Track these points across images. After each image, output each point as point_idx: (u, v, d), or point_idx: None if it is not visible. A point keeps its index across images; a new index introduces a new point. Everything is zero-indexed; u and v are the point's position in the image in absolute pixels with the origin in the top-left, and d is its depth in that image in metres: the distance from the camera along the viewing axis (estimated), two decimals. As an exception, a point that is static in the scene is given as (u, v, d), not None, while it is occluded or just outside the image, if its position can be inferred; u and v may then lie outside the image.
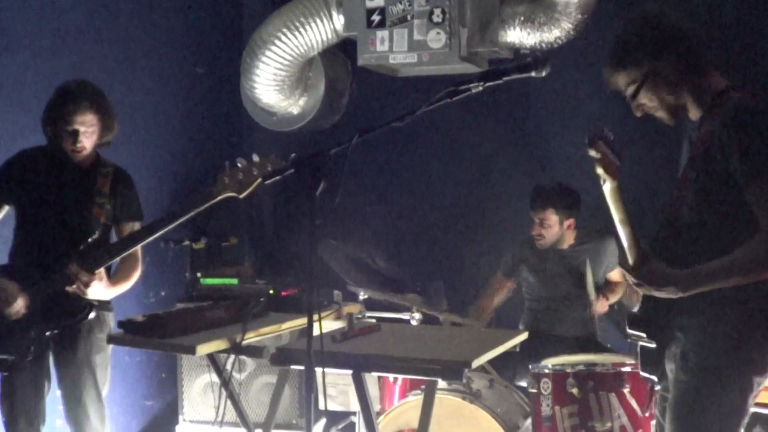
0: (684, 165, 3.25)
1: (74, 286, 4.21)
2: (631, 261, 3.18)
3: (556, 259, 5.78)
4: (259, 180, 3.98)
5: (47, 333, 4.33)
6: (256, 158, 4.02)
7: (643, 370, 3.30)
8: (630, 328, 3.26)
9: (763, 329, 3.10)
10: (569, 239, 5.79)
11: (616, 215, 3.23)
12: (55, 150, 4.47)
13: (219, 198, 4.06)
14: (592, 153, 3.16)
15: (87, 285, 4.20)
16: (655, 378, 3.29)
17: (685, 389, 3.17)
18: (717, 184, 3.07)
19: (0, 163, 4.54)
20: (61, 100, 4.38)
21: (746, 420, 3.17)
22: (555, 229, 5.67)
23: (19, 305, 4.19)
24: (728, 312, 3.08)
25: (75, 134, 4.39)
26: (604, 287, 5.82)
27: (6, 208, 4.50)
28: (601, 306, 5.61)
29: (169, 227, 4.18)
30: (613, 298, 5.75)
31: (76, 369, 4.49)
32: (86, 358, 4.50)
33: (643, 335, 3.22)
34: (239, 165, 4.03)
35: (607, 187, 3.21)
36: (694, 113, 3.23)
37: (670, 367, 3.25)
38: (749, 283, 3.02)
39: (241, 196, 4.06)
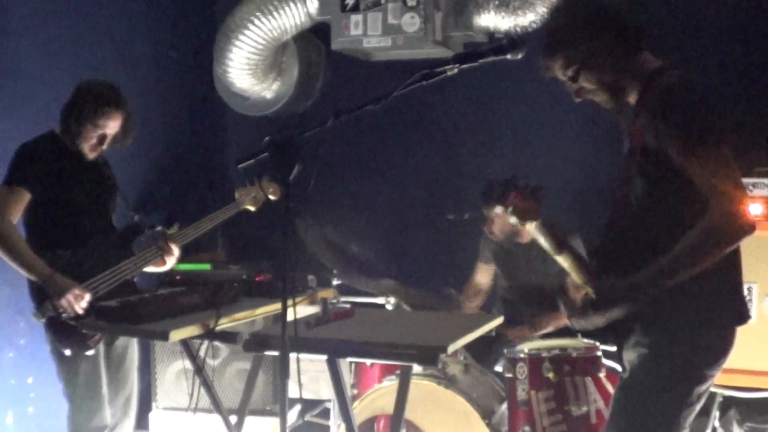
0: (624, 161, 3.20)
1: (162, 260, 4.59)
2: (582, 280, 3.17)
3: (518, 253, 5.70)
4: (267, 198, 5.04)
5: None
6: (261, 180, 4.99)
7: (606, 358, 3.26)
8: (585, 337, 3.22)
9: (716, 323, 3.08)
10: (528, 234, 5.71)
11: (549, 248, 3.22)
12: (64, 141, 4.49)
13: (240, 208, 4.99)
14: (499, 211, 3.16)
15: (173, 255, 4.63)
16: (618, 367, 3.27)
17: (635, 372, 3.14)
18: (663, 173, 3.03)
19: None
20: (93, 100, 4.42)
21: (693, 412, 3.13)
22: (501, 221, 5.54)
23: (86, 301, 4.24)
24: (683, 304, 3.03)
25: (103, 137, 4.50)
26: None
27: (27, 198, 4.39)
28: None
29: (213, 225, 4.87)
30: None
31: (132, 350, 4.73)
32: (135, 352, 4.78)
33: (598, 343, 3.19)
34: (252, 184, 4.97)
35: (531, 228, 3.19)
36: (632, 96, 3.19)
37: (628, 358, 3.19)
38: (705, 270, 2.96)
39: (254, 209, 5.05)
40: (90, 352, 4.33)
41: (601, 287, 3.07)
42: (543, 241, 3.21)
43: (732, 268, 3.12)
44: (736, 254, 3.10)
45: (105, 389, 4.52)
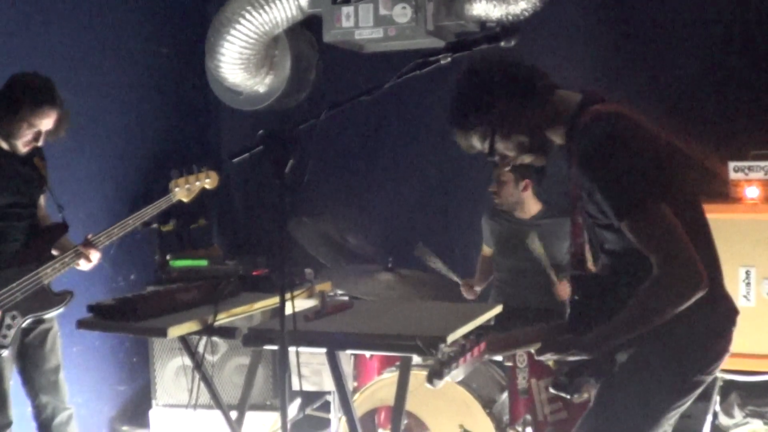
0: (573, 212, 3.09)
1: (80, 261, 4.51)
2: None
3: (515, 227, 5.74)
4: (202, 188, 4.86)
5: (30, 320, 4.46)
6: (196, 169, 4.83)
7: (554, 388, 3.14)
8: (577, 385, 3.11)
9: (709, 329, 2.97)
10: (531, 208, 5.72)
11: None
12: None
13: (173, 202, 4.81)
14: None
15: (91, 260, 4.54)
16: (567, 396, 3.16)
17: (622, 370, 3.04)
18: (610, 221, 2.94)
19: None
20: (30, 98, 4.36)
21: (678, 413, 3.06)
22: (510, 187, 5.60)
23: None
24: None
25: (38, 134, 4.45)
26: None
27: None
28: (563, 290, 5.54)
29: (141, 222, 4.73)
30: None
31: (52, 351, 4.70)
32: (56, 339, 4.73)
33: (590, 380, 3.11)
34: (185, 175, 4.81)
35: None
36: (559, 138, 3.09)
37: (619, 360, 3.09)
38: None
39: (188, 200, 4.86)
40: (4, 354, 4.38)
41: (548, 341, 3.03)
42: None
43: (712, 268, 2.97)
44: (712, 252, 3.00)
45: (10, 387, 4.52)
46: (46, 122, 4.42)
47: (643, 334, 2.89)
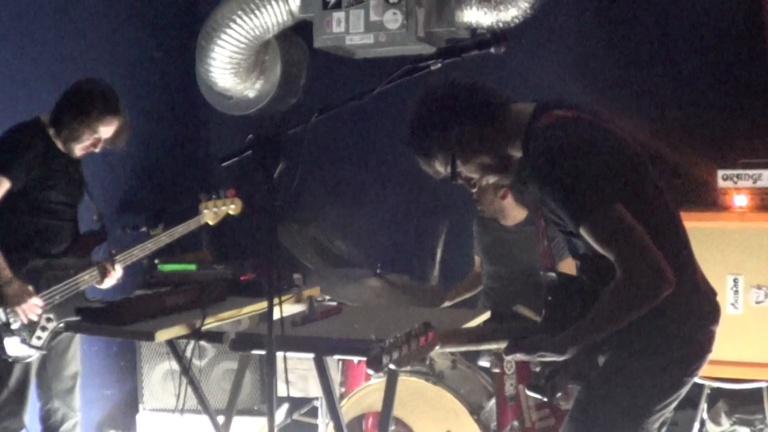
0: (535, 218, 3.13)
1: (101, 279, 4.53)
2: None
3: (500, 235, 5.73)
4: (226, 213, 4.99)
5: (63, 325, 4.43)
6: (222, 194, 4.97)
7: (530, 389, 3.10)
8: (554, 387, 3.07)
9: (681, 331, 2.92)
10: (515, 215, 5.69)
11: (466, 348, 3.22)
12: (48, 133, 4.48)
13: (201, 224, 4.91)
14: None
15: (113, 278, 4.58)
16: (544, 398, 3.11)
17: (598, 375, 3.00)
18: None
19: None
20: (98, 105, 4.43)
21: (660, 417, 3.02)
22: (489, 195, 5.59)
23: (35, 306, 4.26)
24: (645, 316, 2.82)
25: (97, 141, 4.52)
26: None
27: (6, 188, 4.32)
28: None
29: (168, 242, 4.81)
30: None
31: (74, 358, 4.77)
32: (78, 346, 4.82)
33: (569, 383, 3.07)
34: (213, 197, 4.93)
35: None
36: (518, 153, 3.07)
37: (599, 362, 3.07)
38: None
39: (213, 223, 4.97)
40: (31, 359, 4.36)
41: (516, 340, 2.95)
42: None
43: (686, 267, 2.95)
44: (685, 251, 2.98)
45: (30, 391, 4.54)
46: (108, 130, 4.49)
47: (623, 335, 2.86)
